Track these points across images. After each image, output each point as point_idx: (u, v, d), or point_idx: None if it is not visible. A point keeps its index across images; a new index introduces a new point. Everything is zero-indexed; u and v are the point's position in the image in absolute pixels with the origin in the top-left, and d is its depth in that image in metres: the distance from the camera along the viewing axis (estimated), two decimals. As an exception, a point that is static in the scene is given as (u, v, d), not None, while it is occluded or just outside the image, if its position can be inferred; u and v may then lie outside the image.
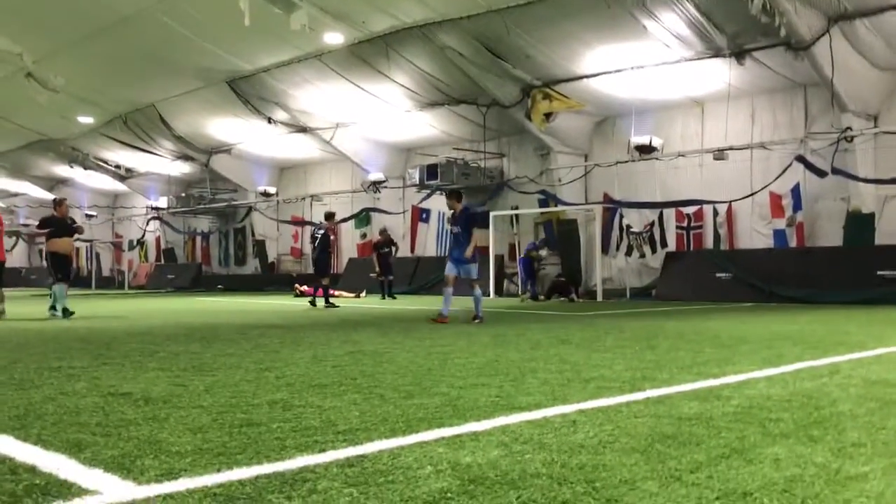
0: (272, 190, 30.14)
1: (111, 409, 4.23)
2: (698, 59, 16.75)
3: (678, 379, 5.19)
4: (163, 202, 33.25)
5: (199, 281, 32.52)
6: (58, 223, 13.44)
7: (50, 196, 37.98)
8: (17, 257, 44.33)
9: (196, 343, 8.05)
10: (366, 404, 4.28)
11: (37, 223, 14.29)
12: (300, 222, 29.44)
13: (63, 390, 4.89)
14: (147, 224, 35.91)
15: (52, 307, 13.20)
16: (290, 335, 9.02)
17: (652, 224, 20.33)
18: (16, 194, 41.00)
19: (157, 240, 37.12)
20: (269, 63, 20.90)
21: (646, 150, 19.15)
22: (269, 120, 24.45)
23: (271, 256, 31.47)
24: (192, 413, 4.06)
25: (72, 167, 33.73)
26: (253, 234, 32.17)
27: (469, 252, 10.98)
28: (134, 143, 28.66)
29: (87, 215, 37.28)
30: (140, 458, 3.10)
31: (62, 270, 13.33)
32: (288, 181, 30.81)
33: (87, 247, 38.87)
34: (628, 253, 20.64)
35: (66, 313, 12.92)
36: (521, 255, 20.13)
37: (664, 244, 20.12)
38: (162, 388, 4.94)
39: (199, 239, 35.42)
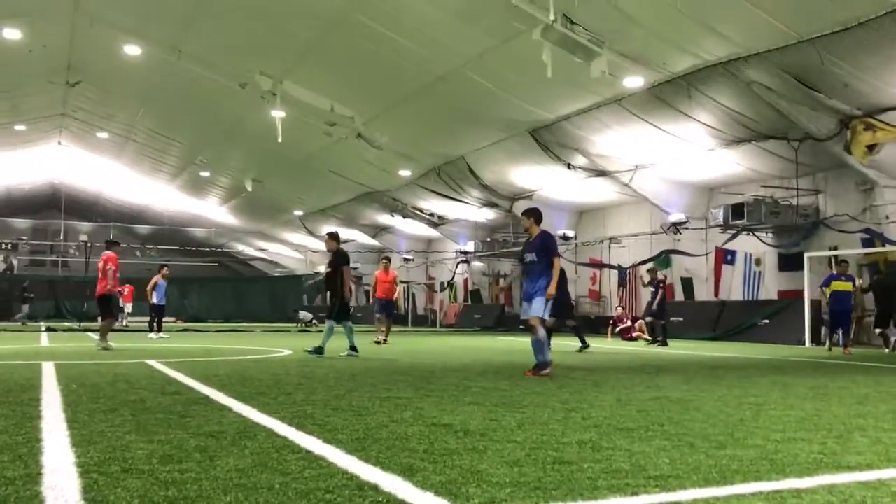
0: (571, 233, 30.67)
1: (435, 437, 4.63)
2: None
3: None
4: (470, 246, 35.27)
5: (502, 321, 33.90)
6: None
7: (374, 243, 42.11)
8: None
9: (504, 380, 8.45)
10: (675, 451, 4.23)
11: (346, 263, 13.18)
12: (598, 265, 29.60)
13: (393, 418, 5.43)
14: (456, 267, 38.31)
15: (352, 347, 12.81)
16: (591, 377, 9.12)
17: None
18: (347, 241, 45.95)
19: (465, 281, 39.38)
20: (569, 111, 21.43)
21: None
22: (569, 166, 24.97)
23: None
24: (507, 447, 4.31)
25: (392, 216, 37.14)
26: (552, 278, 32.89)
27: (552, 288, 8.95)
28: (445, 192, 30.84)
29: (404, 259, 40.81)
30: (465, 486, 3.37)
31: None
32: (586, 224, 31.14)
33: (404, 287, 42.36)
34: (979, 298, 17.87)
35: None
36: (827, 289, 17.46)
37: None
38: (478, 421, 5.28)
39: (502, 280, 36.98)
